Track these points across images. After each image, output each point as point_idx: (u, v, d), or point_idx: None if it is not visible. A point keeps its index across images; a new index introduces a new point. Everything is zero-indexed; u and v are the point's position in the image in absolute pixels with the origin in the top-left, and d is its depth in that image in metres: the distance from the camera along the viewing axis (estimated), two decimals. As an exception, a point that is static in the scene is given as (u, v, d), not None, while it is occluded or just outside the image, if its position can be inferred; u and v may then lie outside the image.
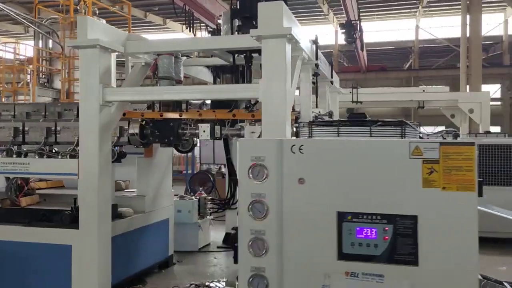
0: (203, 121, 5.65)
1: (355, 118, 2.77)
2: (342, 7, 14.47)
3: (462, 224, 1.98)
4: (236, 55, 5.64)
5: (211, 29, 7.90)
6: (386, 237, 2.08)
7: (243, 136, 5.67)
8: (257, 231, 2.22)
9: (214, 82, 6.42)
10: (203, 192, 9.01)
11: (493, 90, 21.40)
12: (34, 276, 5.25)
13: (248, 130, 5.58)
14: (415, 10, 22.07)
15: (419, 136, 2.58)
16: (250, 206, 2.24)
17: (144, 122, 5.48)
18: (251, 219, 2.23)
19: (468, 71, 12.79)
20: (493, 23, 21.92)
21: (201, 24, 13.65)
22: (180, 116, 5.27)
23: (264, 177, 2.22)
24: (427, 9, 21.45)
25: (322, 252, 2.15)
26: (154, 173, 6.78)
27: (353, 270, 2.10)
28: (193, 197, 8.43)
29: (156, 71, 5.44)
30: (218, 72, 6.49)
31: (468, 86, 13.00)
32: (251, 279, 2.22)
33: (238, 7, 5.69)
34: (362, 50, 16.21)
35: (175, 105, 5.63)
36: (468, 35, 12.97)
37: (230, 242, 5.79)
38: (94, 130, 4.64)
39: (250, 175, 2.23)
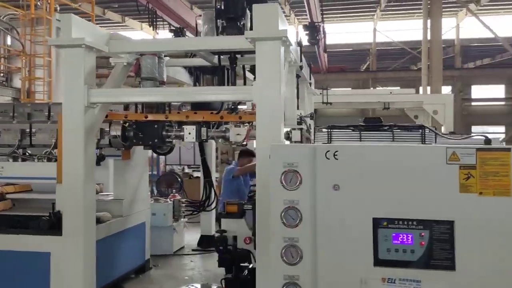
0: (186, 123, 5.55)
1: (371, 123, 2.78)
2: (306, 9, 14.60)
3: (498, 228, 2.02)
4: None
5: (174, 28, 7.76)
6: (423, 243, 2.09)
7: (228, 138, 5.61)
8: (290, 238, 2.19)
9: (195, 84, 6.31)
10: (176, 194, 8.86)
11: (446, 91, 22.47)
12: (9, 285, 4.99)
13: (233, 132, 5.53)
14: (373, 13, 22.63)
15: (435, 139, 2.61)
16: (283, 213, 2.19)
17: (127, 124, 5.32)
18: (284, 226, 2.20)
19: (429, 73, 13.25)
20: (446, 27, 22.78)
21: (164, 23, 13.41)
22: (166, 118, 5.14)
23: (298, 183, 2.18)
24: (384, 12, 22.01)
25: (357, 259, 2.14)
26: (132, 176, 6.59)
27: (390, 276, 2.10)
28: (168, 199, 8.28)
29: (138, 72, 5.30)
30: (197, 73, 6.39)
31: (429, 88, 13.46)
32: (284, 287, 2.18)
33: (222, 7, 5.62)
34: (325, 51, 16.43)
35: (159, 107, 5.50)
36: (429, 38, 13.43)
37: (215, 245, 5.69)
38: (79, 132, 4.45)
39: (283, 182, 2.19)
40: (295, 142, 5.83)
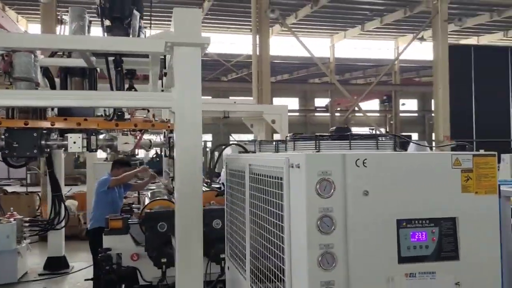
0: (68, 131, 4.96)
1: (341, 132, 3.01)
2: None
3: (488, 221, 2.43)
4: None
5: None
6: (434, 238, 2.38)
7: (116, 147, 5.21)
8: (326, 245, 2.24)
9: (62, 86, 5.68)
10: (15, 212, 7.66)
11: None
12: None
13: (121, 140, 5.18)
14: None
15: (394, 146, 2.95)
16: (318, 222, 2.23)
17: (-3, 131, 4.49)
18: (320, 234, 2.24)
19: (259, 86, 14.23)
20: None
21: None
22: (52, 124, 4.51)
23: (332, 191, 2.25)
24: (202, 24, 22.75)
25: (384, 258, 2.31)
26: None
27: (411, 271, 2.33)
28: (11, 219, 7.12)
29: (8, 70, 4.58)
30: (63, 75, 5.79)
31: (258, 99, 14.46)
32: (321, 294, 2.22)
33: (107, 5, 5.26)
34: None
35: (34, 112, 4.79)
36: (258, 54, 14.46)
37: (100, 265, 5.21)
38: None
39: (318, 190, 2.24)
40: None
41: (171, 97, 4.11)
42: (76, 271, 7.85)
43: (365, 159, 2.30)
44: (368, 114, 30.55)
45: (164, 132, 6.71)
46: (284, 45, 25.35)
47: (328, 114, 29.83)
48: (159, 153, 9.22)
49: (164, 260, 4.84)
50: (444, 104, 14.84)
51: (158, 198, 5.96)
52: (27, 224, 7.58)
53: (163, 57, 5.49)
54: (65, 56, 5.80)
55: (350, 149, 2.72)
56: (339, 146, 2.76)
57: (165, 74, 5.68)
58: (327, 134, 2.89)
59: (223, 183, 5.82)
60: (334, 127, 3.12)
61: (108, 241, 5.42)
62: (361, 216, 2.30)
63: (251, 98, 13.94)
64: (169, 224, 5.02)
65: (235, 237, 3.91)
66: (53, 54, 5.93)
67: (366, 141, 2.78)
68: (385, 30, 25.62)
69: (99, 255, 5.26)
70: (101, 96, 4.09)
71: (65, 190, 12.97)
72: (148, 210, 5.31)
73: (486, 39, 26.78)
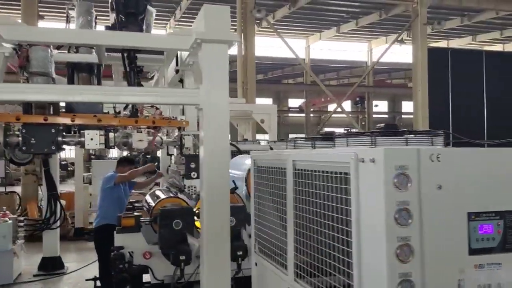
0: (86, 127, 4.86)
1: (390, 129, 3.07)
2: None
3: (548, 213, 2.54)
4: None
5: None
6: (500, 231, 2.46)
7: (131, 144, 5.12)
8: (403, 238, 2.28)
9: (69, 82, 5.55)
10: (7, 212, 7.40)
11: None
12: None
13: (136, 137, 5.11)
14: (167, 22, 23.09)
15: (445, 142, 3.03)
16: (396, 215, 2.28)
17: (15, 127, 4.33)
18: (397, 227, 2.28)
19: (244, 86, 14.21)
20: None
21: None
22: (73, 120, 4.39)
23: (409, 185, 2.30)
24: (178, 23, 22.62)
25: (456, 250, 2.38)
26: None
27: (480, 262, 2.41)
28: (7, 218, 6.88)
29: (25, 65, 4.46)
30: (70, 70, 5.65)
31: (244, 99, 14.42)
32: (399, 286, 2.27)
33: (122, 0, 5.21)
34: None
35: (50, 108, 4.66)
36: (243, 54, 14.43)
37: (113, 264, 5.11)
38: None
39: (396, 184, 2.28)
40: (187, 148, 5.73)
41: (198, 94, 4.09)
42: (72, 272, 7.66)
43: (439, 154, 2.36)
44: (341, 115, 31.12)
45: (167, 131, 6.64)
46: (259, 45, 25.41)
47: (303, 114, 30.08)
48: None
49: (183, 257, 4.79)
50: (423, 106, 15.23)
51: (168, 196, 5.88)
52: (22, 224, 7.35)
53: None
54: (72, 52, 5.68)
55: (407, 144, 2.78)
56: (393, 142, 2.82)
57: (177, 72, 5.63)
58: (378, 130, 2.94)
59: (233, 181, 5.80)
60: (383, 124, 3.18)
61: (120, 239, 5.33)
62: (436, 209, 2.35)
63: (235, 98, 13.90)
64: (184, 222, 4.99)
65: (268, 233, 3.92)
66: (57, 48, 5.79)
67: (420, 137, 2.85)
68: (359, 32, 26.07)
69: (112, 253, 5.16)
70: (131, 92, 4.01)
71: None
72: (162, 208, 5.24)
73: (455, 43, 27.65)
